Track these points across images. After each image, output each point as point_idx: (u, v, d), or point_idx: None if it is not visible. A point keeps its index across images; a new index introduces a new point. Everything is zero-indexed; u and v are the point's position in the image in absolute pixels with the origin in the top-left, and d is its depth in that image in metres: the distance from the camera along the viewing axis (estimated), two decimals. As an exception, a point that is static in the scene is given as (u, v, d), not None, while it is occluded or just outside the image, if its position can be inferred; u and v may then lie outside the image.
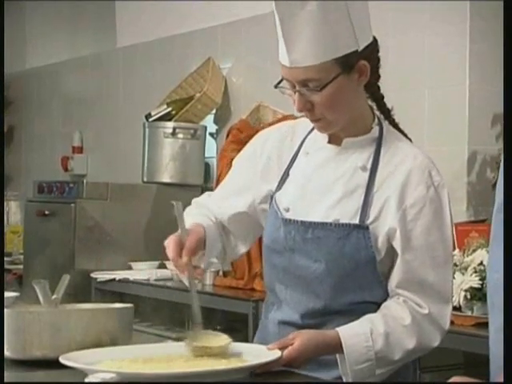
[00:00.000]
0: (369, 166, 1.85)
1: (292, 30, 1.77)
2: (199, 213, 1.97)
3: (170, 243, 1.78)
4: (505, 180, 1.20)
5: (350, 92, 1.82)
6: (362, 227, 1.80)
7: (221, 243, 1.96)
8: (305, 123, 1.96)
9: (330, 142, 1.91)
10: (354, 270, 1.81)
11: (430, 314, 1.80)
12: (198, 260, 1.83)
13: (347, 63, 1.78)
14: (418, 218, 1.81)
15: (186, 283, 1.79)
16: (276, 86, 1.87)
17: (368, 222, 1.81)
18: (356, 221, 1.81)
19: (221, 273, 3.83)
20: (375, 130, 1.89)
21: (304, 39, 1.76)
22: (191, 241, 1.78)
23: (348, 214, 1.82)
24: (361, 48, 1.80)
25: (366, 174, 1.85)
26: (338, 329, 1.76)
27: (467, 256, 2.82)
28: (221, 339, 1.72)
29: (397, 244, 1.81)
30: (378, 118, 1.91)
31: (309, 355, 1.71)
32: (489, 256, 1.48)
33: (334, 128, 1.86)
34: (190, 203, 5.02)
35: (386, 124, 1.92)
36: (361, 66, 1.81)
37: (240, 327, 3.55)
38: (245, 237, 2.01)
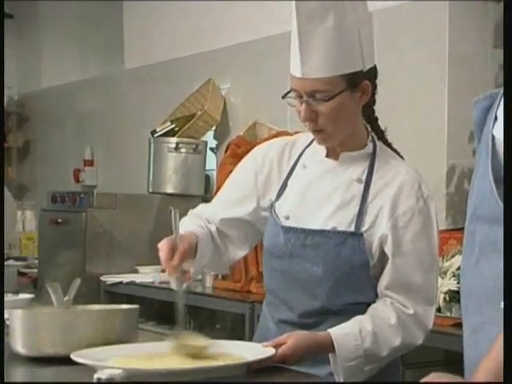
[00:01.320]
0: (364, 178, 1.86)
1: (308, 44, 1.78)
2: (193, 222, 1.96)
3: (163, 246, 1.78)
4: (505, 180, 1.20)
5: (351, 108, 1.83)
6: (357, 234, 1.81)
7: (210, 251, 1.94)
8: (302, 138, 1.97)
9: (327, 156, 1.91)
10: (349, 273, 1.81)
11: (415, 315, 1.80)
12: (187, 265, 1.81)
13: (353, 80, 1.80)
14: (408, 226, 1.82)
15: (173, 285, 1.79)
16: (283, 97, 1.87)
17: (363, 229, 1.82)
18: (352, 228, 1.82)
19: (220, 276, 3.82)
20: (369, 147, 1.90)
21: (317, 53, 1.77)
22: (184, 245, 1.77)
23: (344, 222, 1.83)
24: (366, 69, 1.82)
25: (361, 186, 1.85)
26: (329, 330, 1.75)
27: (446, 261, 2.82)
28: (201, 340, 1.70)
29: (388, 249, 1.82)
30: (372, 136, 1.92)
31: (301, 354, 1.70)
32: (461, 263, 1.48)
33: (333, 141, 1.87)
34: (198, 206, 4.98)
35: (379, 142, 1.93)
36: (364, 85, 1.83)
37: (237, 326, 3.55)
38: (243, 242, 2.01)
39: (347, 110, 1.82)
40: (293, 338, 1.70)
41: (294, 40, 1.81)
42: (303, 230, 1.85)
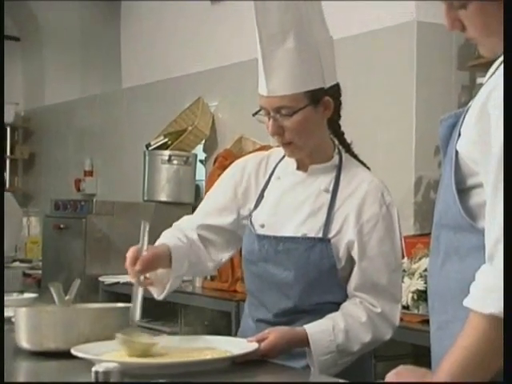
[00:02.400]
0: (331, 188, 1.86)
1: (271, 64, 1.79)
2: (172, 235, 1.96)
3: (128, 253, 1.80)
4: (505, 180, 1.20)
5: (315, 122, 1.83)
6: (324, 240, 1.81)
7: (189, 260, 1.90)
8: (276, 153, 1.97)
9: (298, 168, 1.91)
10: (319, 276, 1.81)
11: (383, 313, 1.80)
12: (166, 273, 1.84)
13: (315, 97, 1.80)
14: (373, 232, 1.81)
15: (134, 288, 1.79)
16: (254, 115, 1.88)
17: (330, 235, 1.81)
18: (320, 235, 1.81)
19: (208, 277, 3.81)
20: (336, 159, 1.89)
21: (281, 72, 1.78)
22: (147, 255, 1.78)
23: (314, 229, 1.82)
24: (327, 86, 1.82)
25: (329, 196, 1.85)
26: (305, 326, 1.75)
27: (414, 263, 2.83)
28: (149, 339, 1.67)
29: (355, 253, 1.81)
30: (338, 149, 1.92)
31: (280, 348, 1.70)
32: (428, 266, 1.49)
33: (301, 153, 1.87)
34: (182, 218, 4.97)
35: (344, 154, 1.92)
36: (326, 101, 1.83)
37: (224, 323, 3.54)
38: (226, 247, 1.99)
39: (311, 123, 1.82)
40: (273, 334, 1.70)
41: (259, 62, 1.82)
42: (276, 238, 1.85)
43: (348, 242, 1.81)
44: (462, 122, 1.33)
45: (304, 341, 1.74)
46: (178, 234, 1.96)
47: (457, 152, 1.33)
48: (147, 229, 1.85)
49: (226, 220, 1.96)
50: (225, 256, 2.01)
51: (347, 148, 1.95)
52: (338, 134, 1.94)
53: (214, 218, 1.97)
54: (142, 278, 1.79)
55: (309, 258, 1.80)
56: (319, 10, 1.85)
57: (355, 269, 1.82)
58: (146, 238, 1.84)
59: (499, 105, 1.23)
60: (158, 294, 1.89)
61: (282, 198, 1.90)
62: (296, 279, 1.82)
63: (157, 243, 1.90)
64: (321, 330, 1.75)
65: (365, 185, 1.84)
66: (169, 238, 1.94)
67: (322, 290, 1.83)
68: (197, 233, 1.96)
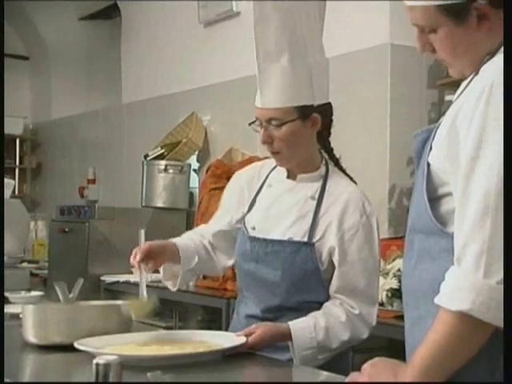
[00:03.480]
0: (316, 196, 1.85)
1: (266, 79, 1.80)
2: (186, 236, 2.03)
3: (133, 252, 1.88)
4: (505, 181, 1.19)
5: (302, 135, 1.83)
6: (309, 244, 1.80)
7: (198, 257, 1.96)
8: (269, 163, 1.97)
9: (288, 177, 1.91)
10: (303, 277, 1.81)
11: (361, 314, 1.80)
12: (176, 268, 1.94)
13: (303, 112, 1.81)
14: (353, 239, 1.80)
15: (137, 276, 1.88)
16: (250, 124, 1.89)
17: (314, 240, 1.81)
18: (305, 239, 1.81)
19: (201, 276, 3.80)
20: (322, 169, 1.89)
21: (274, 87, 1.79)
22: (144, 246, 1.87)
23: (299, 233, 1.82)
24: (316, 104, 1.82)
25: (314, 203, 1.84)
26: (289, 322, 1.75)
27: (388, 264, 2.83)
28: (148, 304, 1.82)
29: (335, 259, 1.81)
30: (326, 161, 1.92)
31: (267, 342, 1.70)
32: (402, 267, 1.49)
33: (289, 163, 1.87)
34: (178, 223, 4.98)
35: (332, 166, 1.92)
36: (314, 117, 1.83)
37: (215, 319, 3.53)
38: (229, 252, 2.00)
39: (298, 136, 1.82)
40: (260, 329, 1.70)
41: (257, 77, 1.83)
42: (265, 240, 1.85)
43: (330, 248, 1.81)
44: (434, 137, 1.34)
45: (287, 336, 1.74)
46: (193, 235, 2.03)
47: (429, 164, 1.33)
48: (143, 234, 1.93)
49: (226, 221, 2.00)
50: (229, 262, 2.03)
51: (336, 162, 1.95)
52: (328, 150, 1.94)
53: (218, 223, 2.02)
54: (143, 266, 1.86)
55: (294, 260, 1.80)
56: (317, 33, 1.85)
57: (336, 273, 1.81)
58: (143, 241, 1.90)
59: (466, 122, 1.23)
60: (173, 286, 2.00)
61: (273, 204, 1.90)
62: (282, 278, 1.81)
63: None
64: (303, 327, 1.75)
65: (347, 195, 1.84)
66: (181, 237, 2.01)
67: (306, 290, 1.83)
68: (207, 239, 2.01)
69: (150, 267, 1.89)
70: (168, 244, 1.94)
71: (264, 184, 1.95)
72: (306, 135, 1.84)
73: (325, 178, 1.88)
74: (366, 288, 1.81)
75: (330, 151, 1.94)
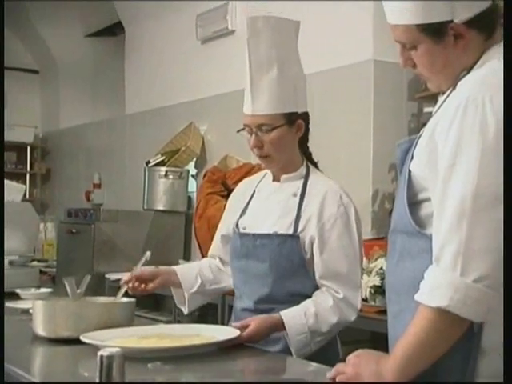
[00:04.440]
0: (299, 193, 1.88)
1: (258, 89, 1.83)
2: (195, 263, 2.12)
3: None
4: (505, 182, 1.19)
5: (289, 139, 1.87)
6: (294, 236, 1.82)
7: (200, 280, 2.01)
8: (259, 175, 2.03)
9: (273, 180, 1.94)
10: (290, 267, 1.82)
11: (345, 298, 1.80)
12: (180, 292, 2.01)
13: (290, 118, 1.85)
14: (333, 228, 1.82)
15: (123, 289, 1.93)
16: (238, 131, 1.92)
17: (298, 232, 1.82)
18: (290, 232, 1.83)
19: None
20: (303, 170, 1.92)
21: (265, 96, 1.82)
22: (137, 271, 1.96)
23: (284, 227, 1.84)
24: (299, 111, 1.87)
25: (297, 199, 1.87)
26: (280, 312, 1.76)
27: (371, 263, 2.83)
28: None
29: (316, 247, 1.82)
30: (306, 163, 1.95)
31: (262, 333, 1.70)
32: (386, 265, 1.49)
33: (276, 165, 1.89)
34: (177, 224, 4.96)
35: (312, 167, 1.95)
36: (299, 123, 1.87)
37: (212, 313, 3.52)
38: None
39: (285, 140, 1.86)
40: (255, 322, 1.69)
41: (246, 86, 1.85)
42: (254, 235, 1.87)
43: (311, 237, 1.82)
44: (415, 147, 1.34)
45: (280, 325, 1.74)
46: (203, 260, 2.09)
47: (410, 171, 1.33)
48: (146, 258, 2.01)
49: (225, 226, 2.03)
50: None
51: (314, 165, 1.98)
52: (307, 154, 1.97)
53: (221, 231, 2.05)
54: (130, 285, 1.93)
55: (281, 252, 1.82)
56: (296, 49, 1.90)
57: (318, 260, 1.82)
58: (140, 263, 1.99)
59: (444, 133, 1.24)
60: (184, 310, 2.05)
61: (260, 205, 1.94)
62: (271, 269, 1.83)
63: None
64: (294, 315, 1.76)
65: (326, 188, 1.87)
66: (189, 264, 2.13)
67: (294, 280, 1.83)
68: (217, 256, 2.05)
69: (139, 290, 1.95)
70: (162, 271, 2.00)
71: (255, 191, 1.99)
72: (291, 139, 1.88)
73: (306, 177, 1.91)
74: (348, 273, 1.81)
75: (309, 155, 1.97)
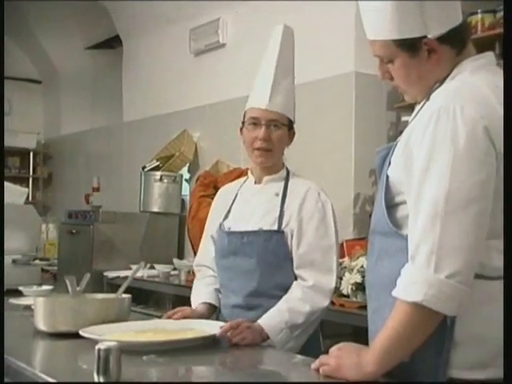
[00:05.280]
0: (281, 193, 1.90)
1: (278, 89, 1.88)
2: (203, 289, 2.00)
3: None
4: (505, 182, 1.21)
5: (286, 141, 1.92)
6: (279, 232, 1.84)
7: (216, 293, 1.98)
8: (238, 181, 2.05)
9: (255, 183, 1.96)
10: (276, 261, 1.83)
11: (315, 285, 1.80)
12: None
13: (290, 122, 1.92)
14: (310, 221, 1.84)
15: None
16: (242, 123, 1.94)
17: (282, 227, 1.84)
18: (275, 228, 1.84)
19: (191, 272, 3.79)
20: (283, 172, 1.95)
21: (281, 96, 1.89)
22: (185, 313, 1.86)
23: (269, 224, 1.86)
24: (293, 119, 1.93)
25: (279, 198, 1.89)
26: (258, 321, 1.74)
27: (353, 261, 2.84)
28: None
29: (295, 238, 1.84)
30: (286, 167, 1.98)
31: (257, 341, 1.69)
32: (366, 263, 1.49)
33: (273, 160, 1.92)
34: (171, 225, 4.93)
35: (291, 171, 1.98)
36: (293, 130, 1.94)
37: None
38: None
39: (284, 141, 1.92)
40: (252, 335, 1.66)
41: (264, 83, 1.89)
42: (241, 232, 1.88)
43: (291, 231, 1.84)
44: (392, 154, 1.35)
45: (262, 331, 1.72)
46: (202, 279, 2.03)
47: (387, 176, 1.34)
48: (140, 267, 2.01)
49: (211, 228, 2.02)
50: None
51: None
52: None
53: (208, 231, 2.04)
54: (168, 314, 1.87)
55: (267, 247, 1.83)
56: (293, 61, 1.96)
57: (295, 251, 1.84)
58: (136, 272, 1.99)
59: (418, 141, 1.25)
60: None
61: (244, 206, 1.95)
62: (258, 264, 1.83)
63: (193, 297, 2.01)
64: (270, 317, 1.76)
65: (306, 188, 1.90)
66: (202, 293, 1.99)
67: (279, 274, 1.84)
68: (203, 264, 2.04)
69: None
70: (202, 311, 1.91)
71: (237, 194, 1.99)
72: (286, 142, 1.93)
73: (286, 179, 1.94)
74: (321, 260, 1.82)
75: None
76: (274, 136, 1.87)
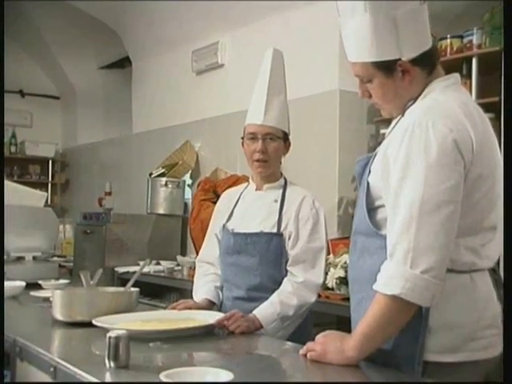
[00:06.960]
0: (279, 199, 1.91)
1: (271, 106, 1.88)
2: (204, 287, 1.96)
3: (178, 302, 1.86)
4: (505, 183, 1.21)
5: (282, 152, 1.93)
6: (278, 234, 1.85)
7: (217, 290, 1.95)
8: (241, 186, 2.05)
9: (256, 189, 1.96)
10: (275, 259, 1.84)
11: (305, 281, 1.81)
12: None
13: (285, 135, 1.91)
14: (305, 226, 1.86)
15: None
16: (242, 138, 1.93)
17: (281, 230, 1.85)
18: (275, 230, 1.85)
19: (193, 267, 3.77)
20: (282, 181, 1.96)
21: (275, 112, 1.88)
22: (187, 304, 1.83)
23: (269, 227, 1.87)
24: (288, 132, 1.93)
25: (278, 204, 1.90)
26: (253, 312, 1.75)
27: (337, 258, 2.84)
28: None
29: (291, 240, 1.85)
30: (284, 176, 1.98)
31: (252, 330, 1.69)
32: (348, 260, 1.50)
33: (270, 170, 1.92)
34: (175, 226, 4.90)
35: (288, 180, 1.98)
36: (289, 141, 1.94)
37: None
38: None
39: (280, 152, 1.92)
40: (248, 325, 1.67)
41: (258, 102, 1.89)
42: (245, 234, 1.89)
43: (289, 233, 1.85)
44: (372, 162, 1.36)
45: (257, 320, 1.73)
46: (204, 276, 1.99)
47: (368, 183, 1.35)
48: (145, 264, 1.97)
49: (215, 228, 2.01)
50: None
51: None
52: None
53: (212, 232, 2.03)
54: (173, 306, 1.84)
55: (268, 247, 1.84)
56: (284, 79, 1.96)
57: (290, 251, 1.85)
58: (142, 269, 1.93)
59: (394, 152, 1.25)
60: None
61: (246, 209, 1.95)
62: (260, 262, 1.84)
63: (195, 292, 1.95)
64: (264, 308, 1.77)
65: (302, 196, 1.91)
66: (206, 288, 1.94)
67: (278, 271, 1.84)
68: (206, 261, 2.01)
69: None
70: (203, 305, 1.88)
71: (239, 199, 1.99)
72: (282, 153, 1.94)
73: (284, 187, 1.94)
74: (312, 260, 1.83)
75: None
76: (270, 148, 1.87)
